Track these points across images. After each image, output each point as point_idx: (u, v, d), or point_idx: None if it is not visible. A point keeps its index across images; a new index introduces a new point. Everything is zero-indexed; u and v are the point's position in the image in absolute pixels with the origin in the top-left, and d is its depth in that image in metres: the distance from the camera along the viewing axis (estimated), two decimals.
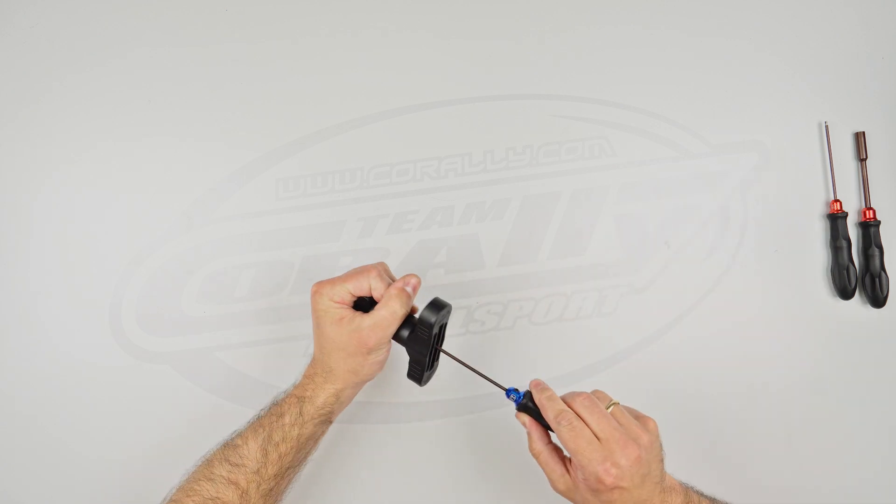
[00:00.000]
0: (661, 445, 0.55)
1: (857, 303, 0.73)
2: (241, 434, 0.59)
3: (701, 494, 0.57)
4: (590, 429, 0.53)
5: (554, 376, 0.71)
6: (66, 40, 0.76)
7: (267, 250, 0.74)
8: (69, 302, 0.73)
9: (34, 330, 0.72)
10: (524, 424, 0.57)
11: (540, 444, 0.57)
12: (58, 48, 0.76)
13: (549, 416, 0.55)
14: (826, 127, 0.75)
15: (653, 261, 0.74)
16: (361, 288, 0.59)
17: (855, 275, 0.72)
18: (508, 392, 0.59)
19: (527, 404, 0.57)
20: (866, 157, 0.74)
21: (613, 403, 0.56)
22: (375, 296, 0.60)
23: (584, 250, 0.74)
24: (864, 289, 0.73)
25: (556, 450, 0.57)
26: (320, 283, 0.60)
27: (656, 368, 0.72)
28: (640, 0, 0.77)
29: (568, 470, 0.55)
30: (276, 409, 0.60)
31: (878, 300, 0.72)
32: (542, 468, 0.57)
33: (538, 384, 0.58)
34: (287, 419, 0.59)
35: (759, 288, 0.74)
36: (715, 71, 0.76)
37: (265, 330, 0.73)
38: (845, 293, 0.73)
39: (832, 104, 0.76)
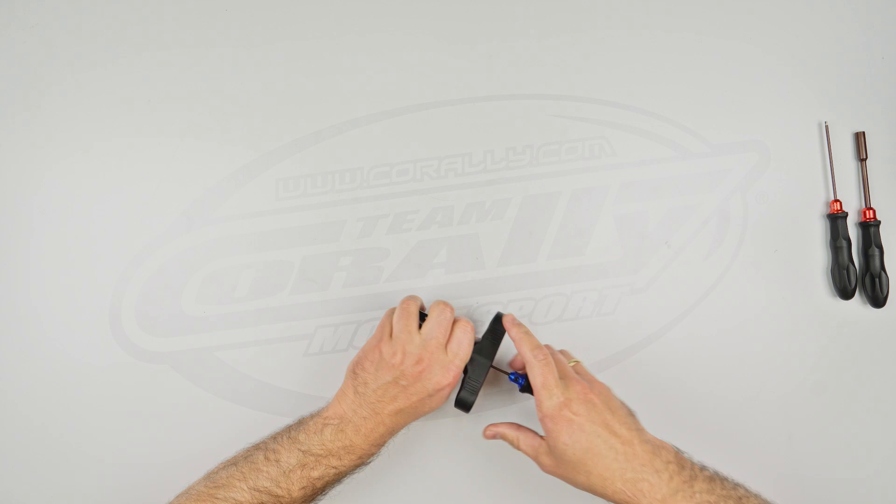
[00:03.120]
0: (622, 403, 0.60)
1: (857, 303, 0.73)
2: (280, 485, 0.59)
3: (691, 458, 0.60)
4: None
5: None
6: (66, 40, 0.76)
7: (267, 250, 0.74)
8: (69, 302, 0.73)
9: (34, 330, 0.72)
10: (505, 437, 0.63)
11: (531, 441, 0.61)
12: (58, 48, 0.76)
13: (524, 348, 0.60)
14: (826, 127, 0.75)
15: (653, 261, 0.74)
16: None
17: (855, 275, 0.72)
18: (511, 376, 0.64)
19: (528, 386, 0.63)
20: (866, 157, 0.74)
21: (576, 361, 0.64)
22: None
23: (584, 250, 0.74)
24: (864, 289, 0.73)
25: (534, 434, 0.61)
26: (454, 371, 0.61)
27: (656, 368, 0.72)
28: (639, 1, 0.77)
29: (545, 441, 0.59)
30: (336, 476, 0.61)
31: (878, 300, 0.72)
32: (533, 458, 0.61)
33: (512, 318, 0.63)
34: (344, 478, 0.62)
35: (760, 288, 0.74)
36: (715, 71, 0.76)
37: (265, 330, 0.73)
38: (845, 293, 0.73)
39: (832, 104, 0.76)
